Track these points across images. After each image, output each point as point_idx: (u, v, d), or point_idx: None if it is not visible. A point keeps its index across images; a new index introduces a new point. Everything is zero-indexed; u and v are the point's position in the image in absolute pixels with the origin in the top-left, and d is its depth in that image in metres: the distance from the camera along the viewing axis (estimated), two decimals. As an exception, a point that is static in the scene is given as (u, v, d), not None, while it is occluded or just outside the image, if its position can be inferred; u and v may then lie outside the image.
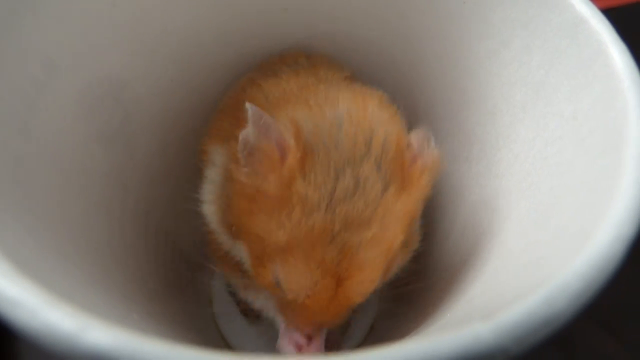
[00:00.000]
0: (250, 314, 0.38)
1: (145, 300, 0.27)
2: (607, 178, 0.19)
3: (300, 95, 0.28)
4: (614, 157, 0.20)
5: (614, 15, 0.26)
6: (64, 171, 0.25)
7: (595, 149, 0.21)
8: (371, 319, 0.38)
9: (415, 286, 0.30)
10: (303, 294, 0.24)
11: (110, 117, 0.30)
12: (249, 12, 0.34)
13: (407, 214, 0.24)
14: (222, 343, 0.38)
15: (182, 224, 0.36)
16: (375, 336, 0.37)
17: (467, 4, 0.30)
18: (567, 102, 0.24)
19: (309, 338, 0.26)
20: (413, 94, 0.35)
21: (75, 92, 0.27)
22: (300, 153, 0.23)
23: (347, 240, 0.23)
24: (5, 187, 0.20)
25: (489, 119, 0.30)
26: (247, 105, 0.24)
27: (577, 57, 0.24)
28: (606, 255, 0.17)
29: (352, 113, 0.25)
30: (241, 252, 0.28)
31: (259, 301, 0.32)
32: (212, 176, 0.30)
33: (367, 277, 0.24)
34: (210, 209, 0.30)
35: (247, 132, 0.24)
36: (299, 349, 0.26)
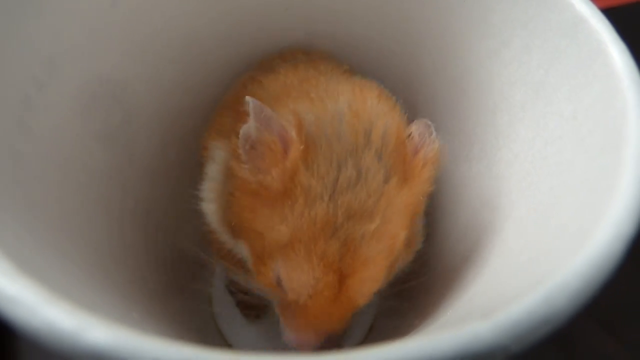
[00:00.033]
0: (250, 314, 0.38)
1: (144, 300, 0.27)
2: (606, 177, 0.19)
3: (301, 89, 0.28)
4: (614, 156, 0.20)
5: (614, 15, 0.26)
6: (64, 170, 0.25)
7: (594, 148, 0.21)
8: (371, 318, 0.38)
9: (416, 285, 0.30)
10: (305, 293, 0.23)
11: (110, 116, 0.30)
12: (249, 11, 0.34)
13: (409, 207, 0.24)
14: (221, 342, 0.38)
15: (181, 223, 0.36)
16: (375, 335, 0.37)
17: (467, 3, 0.30)
18: (566, 101, 0.24)
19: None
20: (413, 93, 0.35)
21: (74, 92, 0.27)
22: (303, 145, 0.23)
23: (350, 232, 0.23)
24: (5, 186, 0.20)
25: (489, 119, 0.30)
26: (247, 98, 0.23)
27: (577, 56, 0.24)
28: (605, 254, 0.17)
29: (352, 105, 0.25)
30: (242, 251, 0.28)
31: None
32: (212, 174, 0.30)
33: (370, 274, 0.23)
34: (210, 208, 0.30)
35: (249, 127, 0.24)
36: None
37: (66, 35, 0.26)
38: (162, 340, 0.14)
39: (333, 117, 0.24)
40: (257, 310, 0.38)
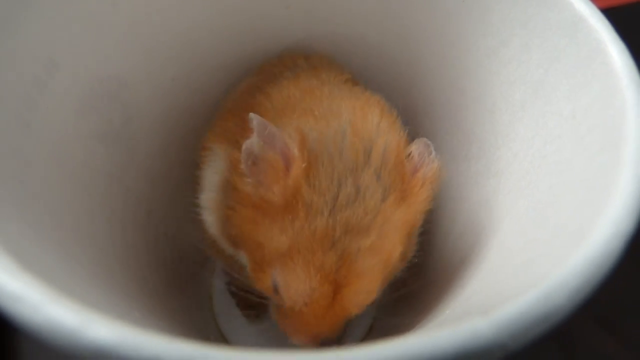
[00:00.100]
0: (250, 313, 0.39)
1: (145, 299, 0.27)
2: (605, 176, 0.20)
3: (304, 103, 0.28)
4: (613, 154, 0.20)
5: (613, 14, 0.26)
6: (67, 170, 0.25)
7: (593, 147, 0.22)
8: (371, 317, 0.38)
9: (415, 285, 0.30)
10: (301, 301, 0.24)
11: (112, 117, 0.30)
12: (250, 11, 0.34)
13: (405, 224, 0.25)
14: (221, 342, 0.38)
15: (183, 223, 0.36)
16: (375, 334, 0.37)
17: (466, 3, 0.30)
18: (566, 100, 0.24)
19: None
20: (412, 93, 0.36)
21: (76, 92, 0.27)
22: (305, 163, 0.24)
23: (347, 246, 0.23)
24: (8, 185, 0.20)
25: (488, 118, 0.30)
26: (252, 115, 0.24)
27: (576, 55, 0.24)
28: (604, 252, 0.17)
29: (354, 123, 0.26)
30: (242, 258, 0.28)
31: None
32: (212, 184, 0.31)
33: (364, 286, 0.24)
34: (210, 218, 0.31)
35: (252, 142, 0.25)
36: None
37: (67, 35, 0.26)
38: (164, 337, 0.14)
39: (335, 135, 0.25)
40: (257, 310, 0.38)
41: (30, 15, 0.24)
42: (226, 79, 0.36)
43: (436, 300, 0.28)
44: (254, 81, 0.34)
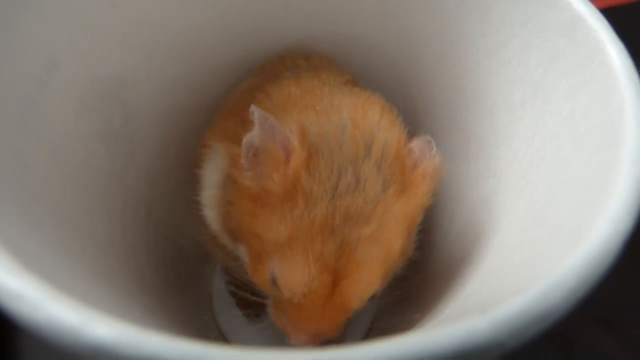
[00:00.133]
0: (250, 313, 0.39)
1: (145, 298, 0.27)
2: (604, 175, 0.20)
3: (305, 100, 0.28)
4: (611, 154, 0.20)
5: (613, 14, 0.26)
6: (67, 169, 0.25)
7: (592, 146, 0.22)
8: (371, 317, 0.38)
9: (415, 283, 0.30)
10: (299, 291, 0.24)
11: (112, 117, 0.30)
12: (250, 10, 0.34)
13: (405, 217, 0.25)
14: (221, 341, 0.38)
15: (182, 222, 0.36)
16: (374, 334, 0.37)
17: (466, 3, 0.30)
18: (565, 100, 0.24)
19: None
20: (412, 93, 0.36)
21: (76, 92, 0.27)
22: (305, 153, 0.24)
23: (347, 235, 0.23)
24: (9, 184, 0.20)
25: (488, 118, 0.30)
26: (253, 108, 0.24)
27: (575, 55, 0.24)
28: (602, 251, 0.17)
29: (355, 119, 0.26)
30: (242, 254, 0.28)
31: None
32: (212, 181, 0.31)
33: (364, 277, 0.24)
34: (210, 214, 0.31)
35: (252, 135, 0.25)
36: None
37: (67, 35, 0.26)
38: (164, 336, 0.14)
39: (336, 129, 0.25)
40: (257, 310, 0.38)
41: (30, 15, 0.24)
42: (226, 79, 0.36)
43: (436, 300, 0.28)
44: (255, 81, 0.35)
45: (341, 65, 0.37)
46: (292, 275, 0.24)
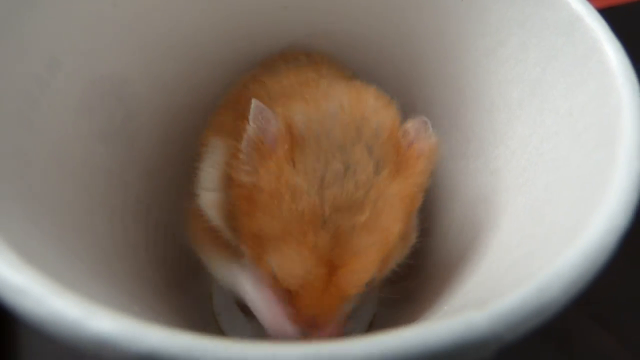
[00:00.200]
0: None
1: (145, 297, 0.27)
2: (601, 172, 0.20)
3: (299, 91, 0.28)
4: (608, 151, 0.20)
5: (610, 14, 0.26)
6: (68, 167, 0.26)
7: (590, 144, 0.22)
8: (371, 315, 0.38)
9: (414, 283, 0.30)
10: (296, 284, 0.24)
11: (112, 115, 0.30)
12: (249, 10, 0.34)
13: (403, 200, 0.24)
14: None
15: (182, 221, 0.36)
16: (375, 331, 0.37)
17: (465, 2, 0.30)
18: (562, 98, 0.25)
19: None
20: (412, 92, 0.36)
21: (77, 90, 0.27)
22: (288, 144, 0.24)
23: (340, 224, 0.23)
24: (11, 182, 0.21)
25: (486, 116, 0.30)
26: (253, 100, 0.24)
27: (573, 54, 0.24)
28: (599, 246, 0.17)
29: (346, 104, 0.25)
30: (246, 253, 0.28)
31: (230, 277, 0.31)
32: (211, 178, 0.31)
33: (362, 266, 0.24)
34: (211, 212, 0.31)
35: (249, 128, 0.25)
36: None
37: (68, 35, 0.26)
38: (165, 329, 0.14)
39: (325, 116, 0.25)
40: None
41: (32, 14, 0.24)
42: (225, 77, 0.36)
43: (436, 296, 0.28)
44: (252, 74, 0.35)
45: (342, 62, 0.37)
46: (287, 267, 0.24)
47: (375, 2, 0.34)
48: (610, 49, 0.23)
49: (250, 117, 0.24)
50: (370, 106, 0.26)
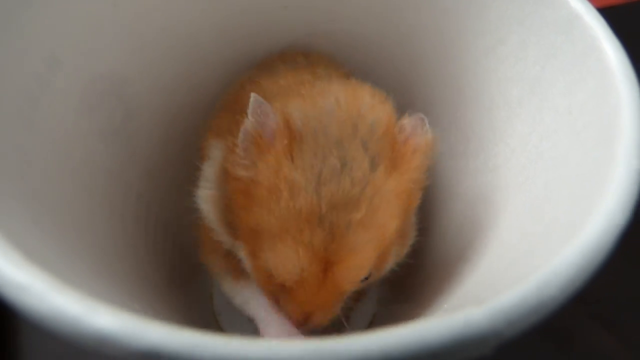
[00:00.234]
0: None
1: (145, 295, 0.27)
2: (600, 170, 0.20)
3: (295, 89, 0.28)
4: (607, 149, 0.20)
5: (610, 14, 0.26)
6: (68, 167, 0.26)
7: (589, 142, 0.22)
8: (370, 316, 0.38)
9: (415, 279, 0.30)
10: (291, 279, 0.24)
11: (112, 114, 0.30)
12: (249, 10, 0.35)
13: (399, 196, 0.24)
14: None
15: (182, 220, 0.36)
16: (375, 329, 0.37)
17: (464, 1, 0.30)
18: (562, 97, 0.25)
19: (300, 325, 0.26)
20: (411, 91, 0.36)
21: (77, 89, 0.27)
22: (287, 139, 0.24)
23: (335, 221, 0.23)
24: (12, 181, 0.21)
25: (486, 115, 0.30)
26: (252, 94, 0.24)
27: (572, 52, 0.25)
28: (597, 244, 0.17)
29: (342, 101, 0.26)
30: (240, 251, 0.28)
31: (240, 297, 0.32)
32: (210, 176, 0.31)
33: (357, 263, 0.24)
34: (208, 209, 0.31)
35: (247, 122, 0.25)
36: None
37: (69, 34, 0.26)
38: (166, 325, 0.14)
39: (321, 112, 0.25)
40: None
41: (33, 13, 0.24)
42: (225, 77, 0.36)
43: (435, 295, 0.28)
44: (250, 75, 0.35)
45: (340, 63, 0.37)
46: (282, 264, 0.24)
47: (375, 2, 0.34)
48: (609, 47, 0.23)
49: (249, 111, 0.24)
50: (366, 103, 0.26)
